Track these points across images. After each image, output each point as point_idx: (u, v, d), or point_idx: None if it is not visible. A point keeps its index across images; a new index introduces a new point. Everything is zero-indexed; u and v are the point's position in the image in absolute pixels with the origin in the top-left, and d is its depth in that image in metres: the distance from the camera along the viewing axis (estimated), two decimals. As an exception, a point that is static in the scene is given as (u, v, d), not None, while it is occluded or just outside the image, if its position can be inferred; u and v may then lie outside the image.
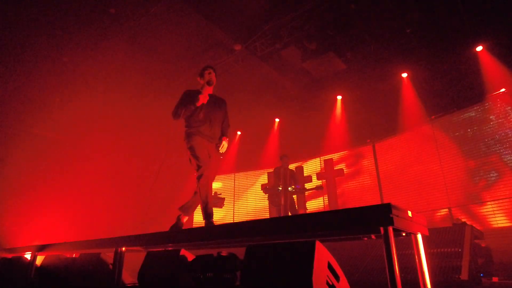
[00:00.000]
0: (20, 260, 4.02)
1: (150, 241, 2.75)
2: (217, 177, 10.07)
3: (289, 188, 6.15)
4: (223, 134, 3.61)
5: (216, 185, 9.58)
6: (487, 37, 6.17)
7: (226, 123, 3.72)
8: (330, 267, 1.73)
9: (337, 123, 8.43)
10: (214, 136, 3.53)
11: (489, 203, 5.61)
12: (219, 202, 8.03)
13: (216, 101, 3.68)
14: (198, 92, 3.54)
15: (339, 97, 8.47)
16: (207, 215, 3.25)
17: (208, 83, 3.62)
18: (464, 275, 2.87)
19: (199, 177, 3.31)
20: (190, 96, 3.54)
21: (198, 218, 9.38)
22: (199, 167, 3.32)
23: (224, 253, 2.31)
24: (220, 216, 9.02)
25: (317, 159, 8.58)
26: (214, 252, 2.34)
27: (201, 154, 3.34)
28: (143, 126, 9.09)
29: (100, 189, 8.49)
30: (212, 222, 3.22)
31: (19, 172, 7.43)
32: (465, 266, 2.93)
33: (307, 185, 6.87)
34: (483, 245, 3.71)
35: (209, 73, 3.64)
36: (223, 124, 3.69)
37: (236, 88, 7.56)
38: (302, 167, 8.32)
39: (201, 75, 3.69)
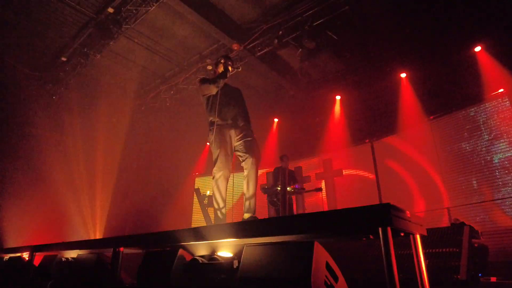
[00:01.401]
0: (18, 260, 4.01)
1: (148, 241, 2.75)
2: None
3: (288, 188, 6.15)
4: (250, 129, 3.49)
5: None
6: (486, 38, 6.18)
7: (247, 114, 3.61)
8: (328, 267, 1.72)
9: (336, 123, 8.44)
10: (236, 119, 3.41)
11: (487, 203, 5.62)
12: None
13: (232, 90, 3.66)
14: (219, 76, 3.50)
15: (338, 97, 8.48)
16: (216, 218, 3.22)
17: (229, 68, 3.56)
18: (462, 275, 2.88)
19: (213, 178, 3.28)
20: (211, 80, 3.50)
21: (197, 216, 9.37)
22: (214, 170, 3.27)
23: (222, 253, 2.30)
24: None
25: (316, 159, 8.58)
26: (212, 252, 2.34)
27: (220, 154, 3.25)
28: (143, 126, 9.09)
29: (100, 188, 8.48)
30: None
31: (18, 172, 7.41)
32: (464, 266, 2.93)
33: (306, 186, 6.87)
34: (476, 245, 3.71)
35: (225, 63, 3.60)
36: (245, 114, 3.57)
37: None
38: (301, 167, 8.32)
39: (217, 65, 3.65)
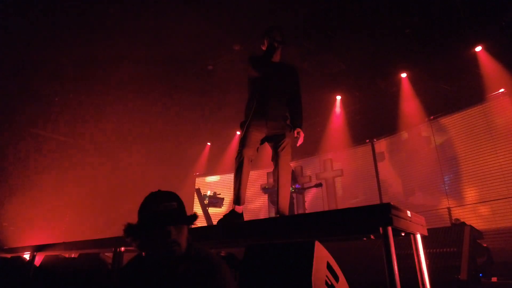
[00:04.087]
0: (19, 260, 4.02)
1: (149, 241, 2.74)
2: (216, 177, 9.96)
3: (289, 188, 6.15)
4: (296, 124, 3.01)
5: (215, 185, 9.58)
6: (486, 38, 6.18)
7: (296, 100, 3.10)
8: (329, 267, 1.73)
9: (336, 123, 8.44)
10: (278, 116, 2.98)
11: (488, 203, 5.62)
12: (219, 202, 8.05)
13: (284, 69, 3.13)
14: (263, 58, 3.01)
15: (338, 97, 8.48)
16: (236, 199, 2.86)
17: (273, 44, 3.00)
18: (463, 275, 2.88)
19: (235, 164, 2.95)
20: (257, 60, 3.05)
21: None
22: (237, 153, 2.93)
23: (223, 253, 2.31)
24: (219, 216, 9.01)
25: (317, 159, 8.59)
26: (213, 252, 2.33)
27: (244, 143, 2.90)
28: (143, 126, 9.08)
29: (100, 189, 8.48)
30: (235, 214, 2.80)
31: (18, 172, 7.42)
32: (464, 266, 2.93)
33: (307, 185, 6.87)
34: (484, 245, 3.71)
35: (273, 36, 3.05)
36: (293, 102, 3.09)
37: (235, 89, 7.56)
38: (302, 167, 8.33)
39: (264, 39, 3.10)
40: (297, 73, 3.20)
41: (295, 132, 3.05)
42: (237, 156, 2.91)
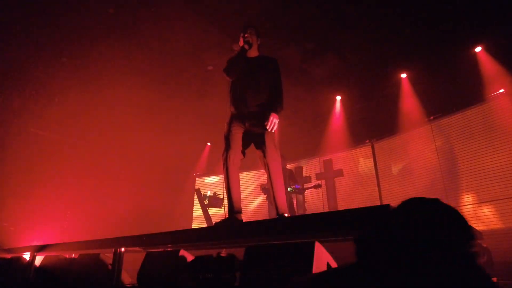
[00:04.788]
0: (19, 261, 4.01)
1: (149, 242, 2.76)
2: (216, 177, 9.93)
3: (288, 189, 6.16)
4: (270, 108, 2.92)
5: (215, 185, 9.58)
6: (486, 38, 6.18)
7: (276, 90, 3.06)
8: (329, 267, 1.73)
9: (336, 123, 8.44)
10: (253, 106, 2.97)
11: (488, 203, 5.62)
12: (218, 203, 8.04)
13: (260, 64, 3.17)
14: (238, 57, 3.10)
15: (338, 97, 8.48)
16: (229, 209, 2.87)
17: (243, 47, 3.10)
18: (463, 276, 2.87)
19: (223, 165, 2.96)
20: (229, 62, 3.15)
21: (198, 217, 9.37)
22: (222, 153, 2.96)
23: (223, 253, 2.31)
24: (219, 217, 9.00)
25: (316, 160, 8.58)
26: (213, 252, 2.34)
27: (227, 140, 2.93)
28: (143, 126, 9.09)
29: (100, 189, 8.48)
30: (234, 217, 2.79)
31: (18, 172, 7.42)
32: (464, 266, 2.92)
33: (306, 185, 6.87)
34: (484, 245, 3.70)
35: (244, 35, 3.15)
36: (272, 90, 3.06)
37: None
38: (301, 167, 8.32)
39: (238, 40, 3.20)
40: (275, 64, 3.21)
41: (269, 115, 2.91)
42: (223, 165, 2.94)
